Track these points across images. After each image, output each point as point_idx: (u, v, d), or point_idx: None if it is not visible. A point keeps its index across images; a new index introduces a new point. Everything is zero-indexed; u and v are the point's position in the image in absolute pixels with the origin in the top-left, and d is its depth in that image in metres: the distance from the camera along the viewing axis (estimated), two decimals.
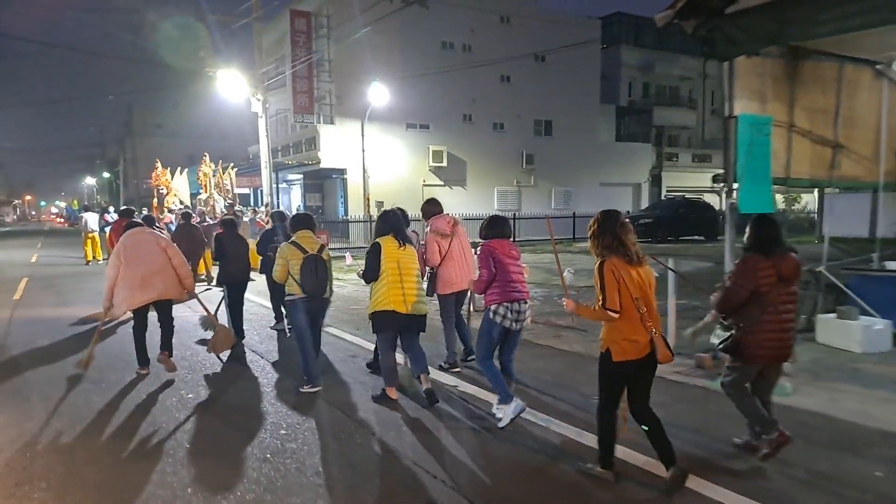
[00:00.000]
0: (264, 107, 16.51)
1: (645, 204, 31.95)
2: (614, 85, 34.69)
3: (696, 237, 21.92)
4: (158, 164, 19.88)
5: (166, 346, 5.74)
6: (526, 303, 4.49)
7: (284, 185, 28.97)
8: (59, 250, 21.83)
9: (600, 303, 3.30)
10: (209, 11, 15.99)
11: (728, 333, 3.74)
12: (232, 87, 16.33)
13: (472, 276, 5.37)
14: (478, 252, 4.57)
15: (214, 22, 16.10)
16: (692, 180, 34.55)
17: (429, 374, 4.94)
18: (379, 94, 21.54)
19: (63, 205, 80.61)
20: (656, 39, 37.40)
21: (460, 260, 5.70)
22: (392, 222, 4.90)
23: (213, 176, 15.93)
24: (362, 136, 23.48)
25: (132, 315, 5.68)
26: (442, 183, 26.44)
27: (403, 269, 4.71)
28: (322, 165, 23.46)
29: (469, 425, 4.41)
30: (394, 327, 4.75)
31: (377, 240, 4.81)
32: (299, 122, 24.50)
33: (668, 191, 33.36)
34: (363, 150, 23.81)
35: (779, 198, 30.93)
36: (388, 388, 4.87)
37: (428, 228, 5.80)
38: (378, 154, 24.47)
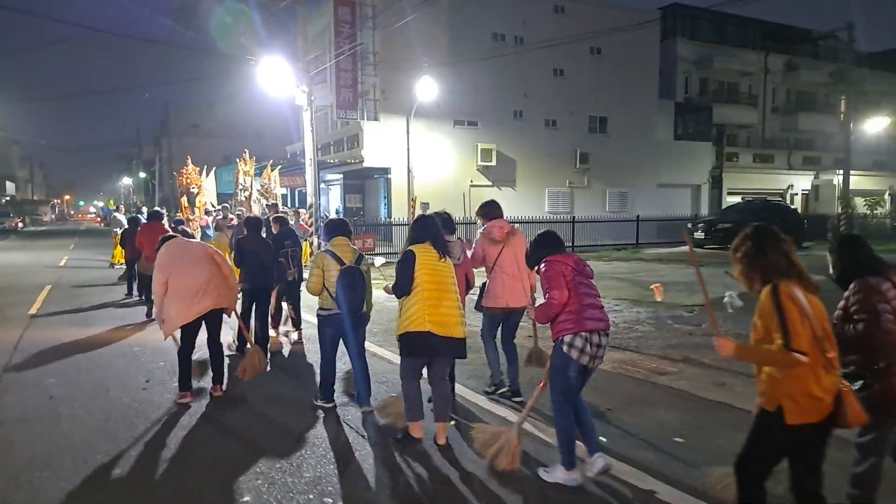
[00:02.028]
0: (309, 99, 15.01)
1: (705, 207, 29.80)
2: (669, 80, 32.40)
3: None
4: (189, 162, 18.63)
5: (220, 377, 5.17)
6: (607, 334, 3.57)
7: (323, 185, 27.61)
8: (92, 252, 20.75)
9: (780, 341, 2.43)
10: None
11: (859, 382, 2.81)
12: (275, 77, 14.84)
13: (527, 295, 4.55)
14: (541, 271, 3.64)
15: (256, 4, 14.66)
16: (754, 182, 32.23)
17: (448, 423, 4.13)
18: (427, 88, 19.99)
19: (101, 204, 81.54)
20: (714, 32, 35.03)
21: (513, 274, 4.86)
22: (429, 228, 4.16)
23: (258, 176, 14.52)
24: (407, 133, 21.97)
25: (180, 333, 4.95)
26: (490, 183, 24.72)
27: (441, 283, 4.01)
28: (365, 164, 21.99)
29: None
30: (427, 352, 4.01)
31: (411, 247, 4.07)
32: (342, 119, 23.10)
33: (728, 193, 31.15)
34: (408, 149, 22.31)
35: (859, 201, 28.43)
36: (412, 424, 4.10)
37: (480, 232, 5.08)
38: (423, 153, 22.95)
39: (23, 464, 3.85)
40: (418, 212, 23.31)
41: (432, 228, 4.17)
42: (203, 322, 4.99)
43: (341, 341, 4.76)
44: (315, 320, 4.86)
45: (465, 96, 23.53)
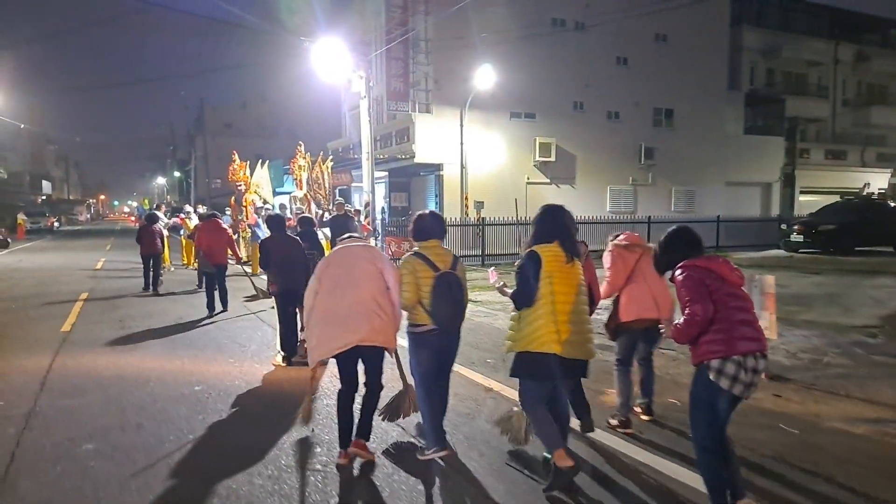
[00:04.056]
0: (368, 85, 13.47)
1: (776, 208, 27.58)
2: (735, 70, 30.14)
3: (883, 248, 17.63)
4: (236, 157, 17.28)
5: (365, 429, 3.76)
6: (765, 356, 2.83)
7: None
8: (129, 253, 19.52)
9: None
10: None
11: None
12: (329, 62, 13.35)
13: (668, 307, 4.14)
14: (676, 279, 2.89)
15: None
16: (827, 180, 29.87)
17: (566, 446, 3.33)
18: (485, 77, 18.38)
19: (135, 204, 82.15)
20: (781, 19, 32.58)
21: (655, 281, 4.17)
22: (558, 222, 3.42)
23: (311, 170, 13.03)
24: (461, 126, 20.41)
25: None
26: (548, 181, 22.97)
27: (570, 293, 3.27)
28: (417, 160, 20.43)
29: None
30: (547, 377, 3.29)
31: (534, 248, 3.33)
32: (390, 112, 21.57)
33: (801, 192, 28.84)
34: (461, 143, 20.72)
35: None
36: (556, 452, 3.27)
37: (611, 240, 4.49)
38: (477, 147, 21.36)
39: None
40: (472, 211, 21.75)
41: (562, 222, 3.45)
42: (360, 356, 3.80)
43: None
44: None
45: (523, 87, 21.80)
